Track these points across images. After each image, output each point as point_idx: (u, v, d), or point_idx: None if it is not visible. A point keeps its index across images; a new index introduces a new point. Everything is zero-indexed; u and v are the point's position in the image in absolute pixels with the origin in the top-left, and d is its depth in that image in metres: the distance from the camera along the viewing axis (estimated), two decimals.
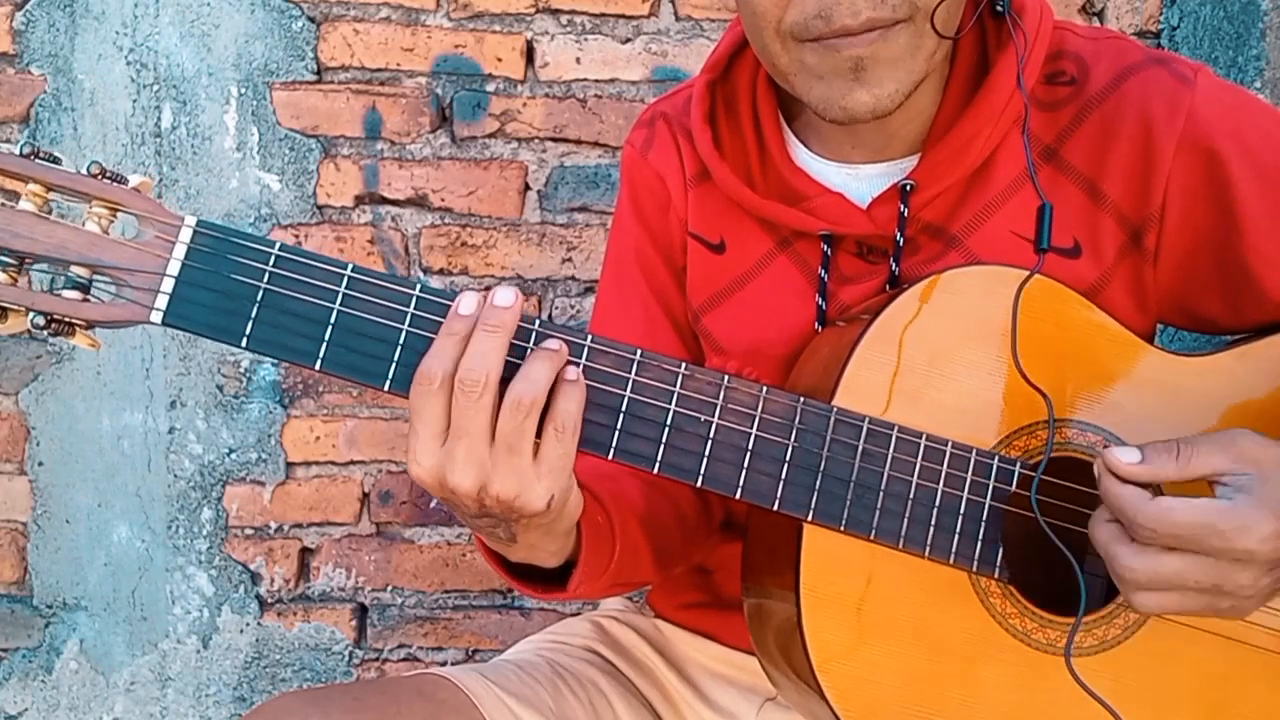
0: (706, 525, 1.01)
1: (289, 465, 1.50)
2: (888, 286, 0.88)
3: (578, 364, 0.70)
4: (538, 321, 0.70)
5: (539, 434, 0.67)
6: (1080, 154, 0.86)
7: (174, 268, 0.67)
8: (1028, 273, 0.80)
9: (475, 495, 0.67)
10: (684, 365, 0.73)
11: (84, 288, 0.66)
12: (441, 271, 1.49)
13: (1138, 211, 0.85)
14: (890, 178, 0.90)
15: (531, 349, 0.69)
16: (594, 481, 0.85)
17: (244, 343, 0.67)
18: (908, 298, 0.80)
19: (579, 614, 1.12)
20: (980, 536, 0.77)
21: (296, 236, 1.47)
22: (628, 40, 1.47)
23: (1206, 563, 0.68)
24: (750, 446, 0.74)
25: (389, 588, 1.53)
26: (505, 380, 0.67)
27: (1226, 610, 0.71)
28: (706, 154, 0.95)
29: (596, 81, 1.48)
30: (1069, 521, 0.81)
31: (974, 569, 0.78)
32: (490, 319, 0.66)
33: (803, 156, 0.94)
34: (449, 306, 0.68)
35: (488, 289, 0.68)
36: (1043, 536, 0.84)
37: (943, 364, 0.79)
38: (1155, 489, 0.71)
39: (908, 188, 0.87)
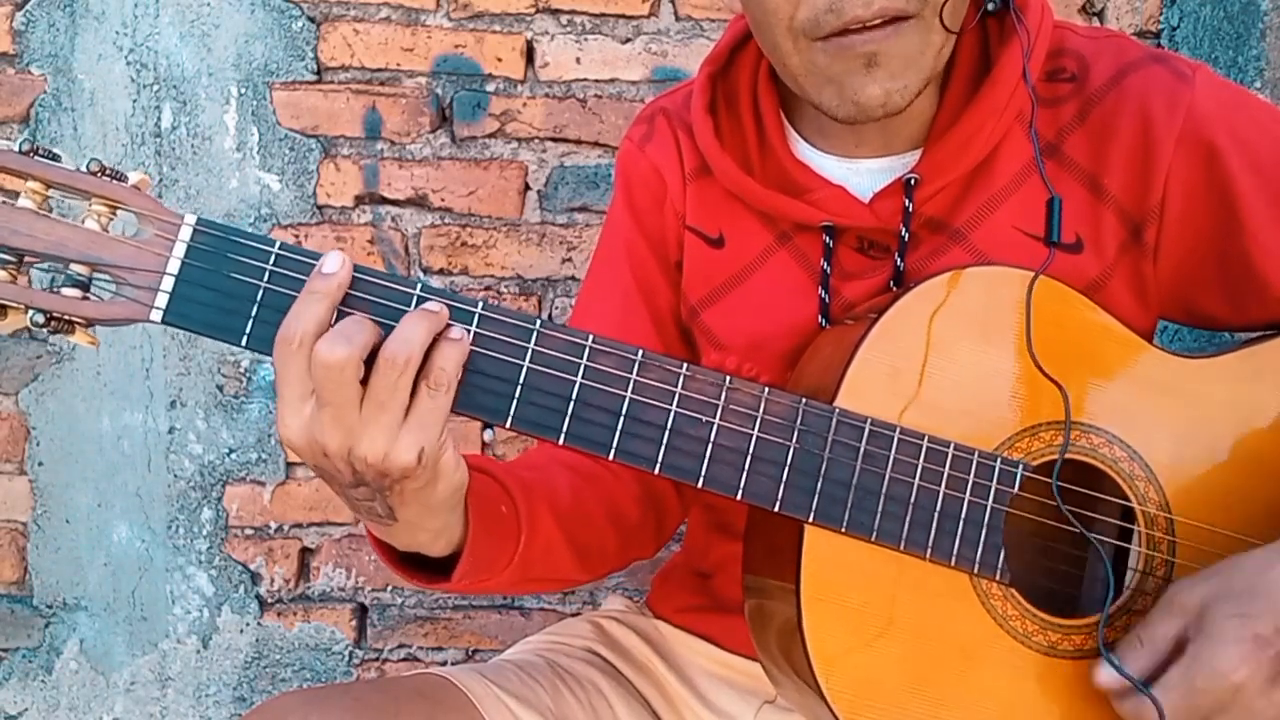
0: (655, 530, 1.00)
1: (289, 465, 1.50)
2: (892, 280, 0.89)
3: (467, 328, 0.68)
4: (420, 285, 0.68)
5: (415, 392, 0.65)
6: (1081, 150, 0.87)
7: (174, 266, 0.66)
8: (1032, 272, 0.80)
9: (345, 457, 0.65)
10: (685, 366, 0.72)
11: (84, 286, 0.65)
12: (441, 271, 1.48)
13: (1138, 206, 0.85)
14: (892, 172, 0.90)
15: (409, 311, 0.66)
16: (507, 473, 0.83)
17: (244, 341, 0.67)
18: (911, 298, 0.79)
19: (579, 614, 1.12)
20: (982, 539, 0.77)
21: (296, 236, 1.47)
22: (628, 40, 1.47)
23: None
24: (751, 448, 0.74)
25: (389, 588, 1.53)
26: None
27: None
28: (706, 144, 0.94)
29: (596, 81, 1.47)
30: (1069, 523, 0.81)
31: (975, 571, 0.77)
32: (316, 286, 0.64)
33: (803, 150, 0.94)
34: (455, 308, 0.68)
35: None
36: (1044, 539, 0.84)
37: (946, 364, 0.79)
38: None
39: (911, 182, 0.87)
